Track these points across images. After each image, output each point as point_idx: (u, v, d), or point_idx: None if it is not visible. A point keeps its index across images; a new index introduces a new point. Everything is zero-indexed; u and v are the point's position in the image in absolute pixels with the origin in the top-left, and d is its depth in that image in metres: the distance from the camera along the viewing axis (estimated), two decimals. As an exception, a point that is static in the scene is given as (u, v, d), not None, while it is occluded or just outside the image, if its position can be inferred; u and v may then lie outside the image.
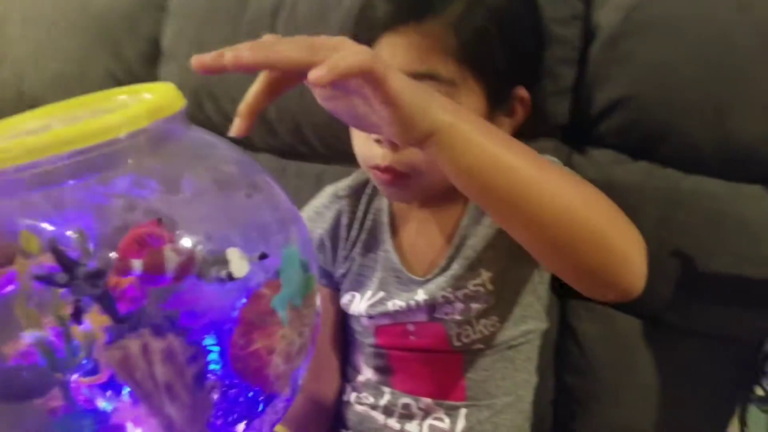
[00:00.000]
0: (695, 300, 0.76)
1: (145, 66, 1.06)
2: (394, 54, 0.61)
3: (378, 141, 0.64)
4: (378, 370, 0.73)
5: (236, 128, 0.47)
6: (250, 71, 0.45)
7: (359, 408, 0.73)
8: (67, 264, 0.36)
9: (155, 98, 0.40)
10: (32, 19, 1.12)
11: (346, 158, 0.80)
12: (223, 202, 0.42)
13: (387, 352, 0.72)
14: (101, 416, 0.41)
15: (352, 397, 0.75)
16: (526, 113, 0.71)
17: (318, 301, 0.46)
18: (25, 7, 1.14)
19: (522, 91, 0.69)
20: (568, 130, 0.83)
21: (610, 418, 0.81)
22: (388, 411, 0.71)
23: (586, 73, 0.81)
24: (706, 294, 0.75)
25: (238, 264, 0.39)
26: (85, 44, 1.07)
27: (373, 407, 0.72)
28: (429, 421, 0.70)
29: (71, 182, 0.36)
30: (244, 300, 0.40)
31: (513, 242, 0.65)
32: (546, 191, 0.50)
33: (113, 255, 0.36)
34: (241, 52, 0.43)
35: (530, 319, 0.71)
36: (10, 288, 0.38)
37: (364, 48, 0.45)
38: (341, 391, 0.77)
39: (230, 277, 0.39)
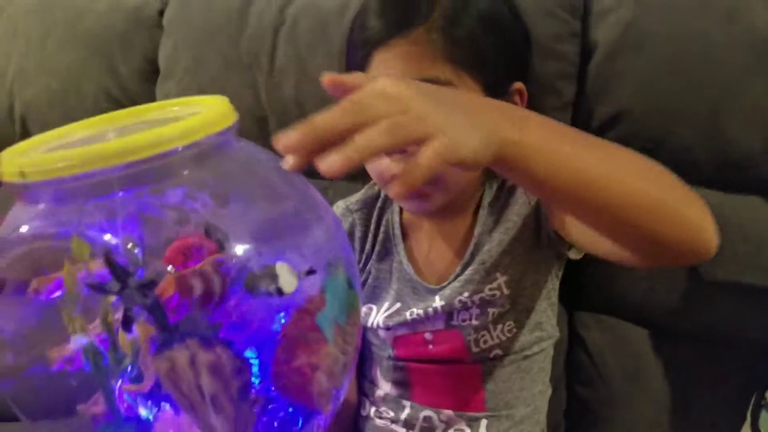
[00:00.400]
0: (701, 308, 0.78)
1: (141, 83, 1.04)
2: (388, 68, 0.63)
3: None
4: (396, 384, 0.73)
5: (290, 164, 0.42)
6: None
7: (379, 422, 0.73)
8: (119, 273, 0.36)
9: (209, 111, 0.40)
10: (21, 35, 1.10)
11: (351, 173, 0.80)
12: (272, 216, 0.42)
13: (406, 365, 0.72)
14: (143, 425, 0.40)
15: (372, 411, 0.74)
16: (525, 106, 0.72)
17: (360, 318, 0.45)
18: (13, 21, 1.12)
19: (519, 85, 0.71)
20: (569, 143, 0.84)
21: (622, 427, 0.82)
22: (409, 425, 0.71)
23: (585, 88, 0.83)
24: (712, 301, 0.77)
25: (288, 279, 0.38)
26: (78, 61, 1.05)
27: (394, 421, 0.72)
28: None
29: (125, 192, 0.35)
30: (283, 315, 0.40)
31: (528, 248, 0.66)
32: (618, 184, 0.50)
33: (170, 268, 0.36)
34: (341, 157, 0.38)
35: (544, 326, 0.72)
36: (57, 294, 0.37)
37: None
38: (359, 407, 0.77)
39: (279, 292, 0.38)
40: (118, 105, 1.05)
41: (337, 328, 0.41)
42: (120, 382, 0.40)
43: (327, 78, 0.43)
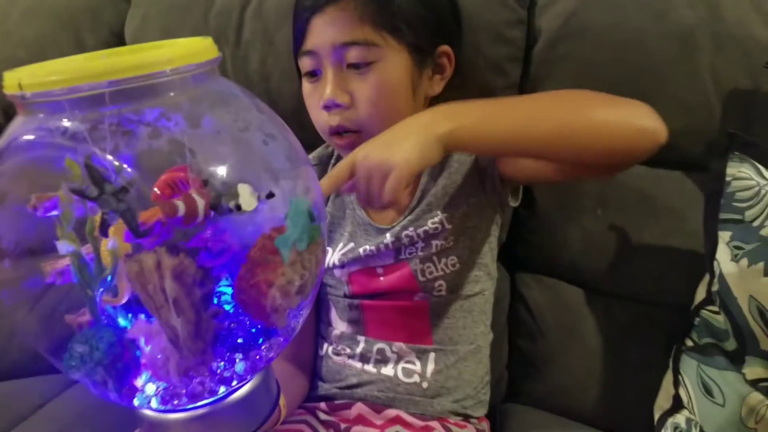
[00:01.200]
0: (629, 270, 0.87)
1: None
2: (322, 32, 0.71)
3: (326, 107, 0.72)
4: (352, 322, 0.78)
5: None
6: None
7: (337, 359, 0.79)
8: (97, 179, 0.40)
9: (195, 43, 0.44)
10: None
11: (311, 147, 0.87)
12: (240, 143, 0.46)
13: (360, 302, 0.77)
14: (119, 330, 0.44)
15: (330, 350, 0.80)
16: (453, 68, 0.80)
17: (322, 252, 0.50)
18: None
19: (445, 48, 0.78)
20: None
21: (559, 376, 0.90)
22: (364, 358, 0.77)
23: (530, 71, 0.91)
24: (639, 264, 0.86)
25: (248, 198, 0.43)
26: (45, 31, 1.07)
27: (350, 356, 0.78)
28: (402, 365, 0.76)
29: (113, 107, 0.39)
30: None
31: (471, 193, 0.73)
32: (548, 122, 0.65)
33: (136, 175, 0.40)
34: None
35: (484, 266, 0.79)
36: (54, 212, 0.41)
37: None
38: (316, 350, 0.82)
39: (239, 209, 0.43)
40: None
41: (295, 254, 0.45)
42: (101, 291, 0.44)
43: (326, 186, 0.60)
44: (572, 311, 0.90)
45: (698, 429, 0.73)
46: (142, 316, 0.45)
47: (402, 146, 0.58)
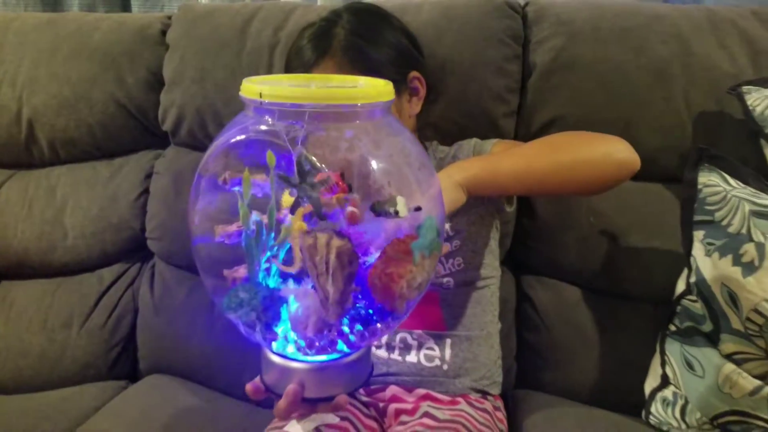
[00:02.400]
0: (619, 269, 0.98)
1: (146, 92, 1.18)
2: None
3: None
4: None
5: None
6: None
7: None
8: (302, 172, 0.52)
9: (381, 87, 0.56)
10: (31, 47, 1.21)
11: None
12: (402, 167, 0.58)
13: None
14: (274, 288, 0.57)
15: None
16: (426, 88, 0.93)
17: (438, 263, 0.61)
18: (21, 35, 1.23)
19: (414, 74, 0.91)
20: (515, 143, 1.04)
21: (562, 363, 1.00)
22: (389, 347, 0.88)
23: (526, 100, 1.03)
24: (627, 264, 0.98)
25: (402, 208, 0.55)
26: (87, 71, 1.18)
27: (377, 347, 0.88)
28: (424, 351, 0.87)
29: (318, 123, 0.51)
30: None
31: (473, 205, 0.87)
32: (539, 165, 0.79)
33: (330, 179, 0.53)
34: None
35: (486, 267, 0.92)
36: (236, 188, 0.54)
37: None
38: None
39: (396, 214, 0.54)
40: (125, 111, 1.19)
41: (421, 257, 0.56)
42: (267, 255, 0.56)
43: None
44: (572, 307, 1.01)
45: (683, 399, 0.85)
46: (291, 281, 0.57)
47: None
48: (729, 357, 0.80)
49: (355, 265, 0.54)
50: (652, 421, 0.88)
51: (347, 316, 0.56)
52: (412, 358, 0.87)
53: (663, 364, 0.88)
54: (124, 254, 1.20)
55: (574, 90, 1.00)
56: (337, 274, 0.52)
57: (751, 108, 0.90)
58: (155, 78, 1.19)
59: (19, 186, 1.23)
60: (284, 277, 0.56)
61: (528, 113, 1.03)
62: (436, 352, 0.87)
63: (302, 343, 0.54)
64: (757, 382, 0.77)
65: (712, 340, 0.82)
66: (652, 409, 0.88)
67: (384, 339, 0.88)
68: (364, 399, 0.87)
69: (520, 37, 1.03)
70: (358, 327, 0.56)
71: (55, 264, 1.19)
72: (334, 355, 0.57)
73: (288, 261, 0.56)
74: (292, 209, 0.53)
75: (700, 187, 0.85)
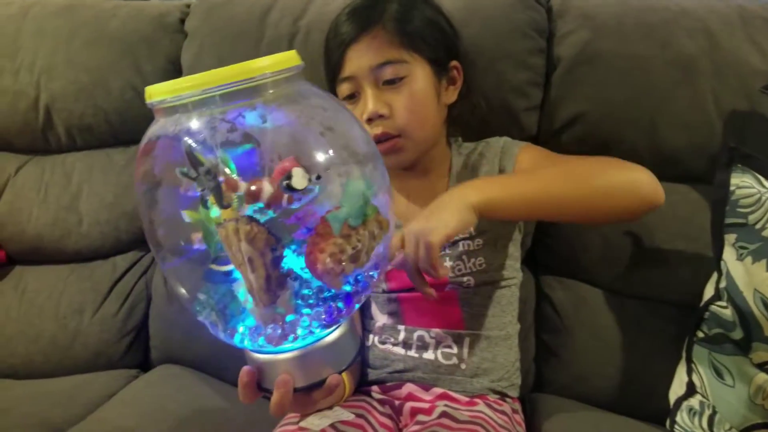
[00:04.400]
0: (640, 271, 0.96)
1: (164, 80, 1.14)
2: (359, 58, 0.83)
3: (369, 120, 0.83)
4: (391, 314, 0.88)
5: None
6: None
7: (382, 347, 0.88)
8: (194, 162, 0.50)
9: (284, 55, 0.54)
10: (48, 33, 1.20)
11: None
12: (300, 134, 0.56)
13: (397, 296, 0.87)
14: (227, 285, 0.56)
15: (375, 339, 0.89)
16: (462, 80, 0.92)
17: (378, 228, 0.57)
18: (38, 21, 1.22)
19: (455, 63, 0.91)
20: (537, 140, 1.02)
21: (581, 367, 0.98)
22: (406, 345, 0.86)
23: (550, 94, 1.01)
24: (649, 266, 0.95)
25: (299, 179, 0.52)
26: (104, 58, 1.17)
27: (394, 344, 0.87)
28: (441, 349, 0.85)
29: (228, 104, 0.50)
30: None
31: None
32: (557, 191, 0.77)
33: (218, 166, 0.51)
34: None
35: (508, 267, 0.89)
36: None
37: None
38: (362, 342, 0.90)
39: (289, 188, 0.52)
40: (143, 99, 1.17)
41: (346, 227, 0.54)
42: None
43: (395, 260, 0.71)
44: (592, 309, 0.99)
45: (711, 409, 0.82)
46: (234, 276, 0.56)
47: (441, 216, 0.69)
48: (761, 366, 0.77)
49: (280, 249, 0.52)
50: (677, 431, 0.86)
51: (298, 300, 0.55)
52: (429, 355, 0.85)
53: (689, 371, 0.85)
54: (138, 242, 1.18)
55: (598, 85, 0.98)
56: (256, 261, 0.51)
57: (784, 107, 0.87)
58: (173, 66, 1.17)
59: (35, 171, 1.23)
60: (228, 274, 0.56)
61: (551, 108, 1.01)
62: (454, 351, 0.85)
63: (262, 339, 0.54)
64: (791, 394, 0.74)
65: (743, 347, 0.79)
66: (678, 419, 0.85)
67: (400, 337, 0.87)
68: (380, 396, 0.85)
69: (545, 30, 1.01)
70: (307, 311, 0.55)
71: (68, 250, 1.18)
72: (310, 339, 0.56)
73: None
74: (203, 204, 0.52)
75: (732, 188, 0.82)
